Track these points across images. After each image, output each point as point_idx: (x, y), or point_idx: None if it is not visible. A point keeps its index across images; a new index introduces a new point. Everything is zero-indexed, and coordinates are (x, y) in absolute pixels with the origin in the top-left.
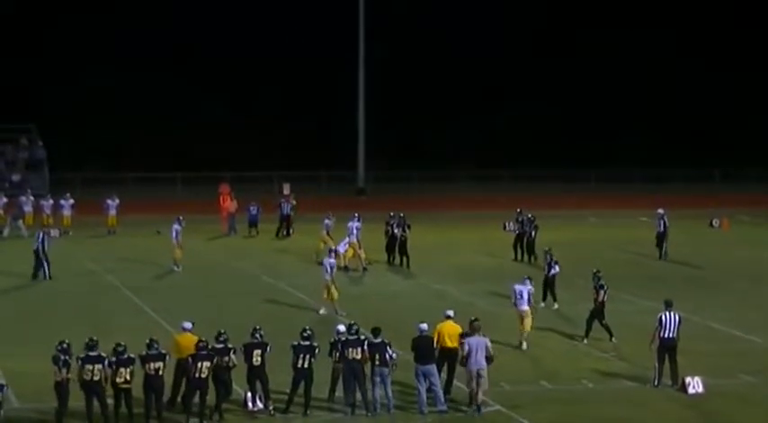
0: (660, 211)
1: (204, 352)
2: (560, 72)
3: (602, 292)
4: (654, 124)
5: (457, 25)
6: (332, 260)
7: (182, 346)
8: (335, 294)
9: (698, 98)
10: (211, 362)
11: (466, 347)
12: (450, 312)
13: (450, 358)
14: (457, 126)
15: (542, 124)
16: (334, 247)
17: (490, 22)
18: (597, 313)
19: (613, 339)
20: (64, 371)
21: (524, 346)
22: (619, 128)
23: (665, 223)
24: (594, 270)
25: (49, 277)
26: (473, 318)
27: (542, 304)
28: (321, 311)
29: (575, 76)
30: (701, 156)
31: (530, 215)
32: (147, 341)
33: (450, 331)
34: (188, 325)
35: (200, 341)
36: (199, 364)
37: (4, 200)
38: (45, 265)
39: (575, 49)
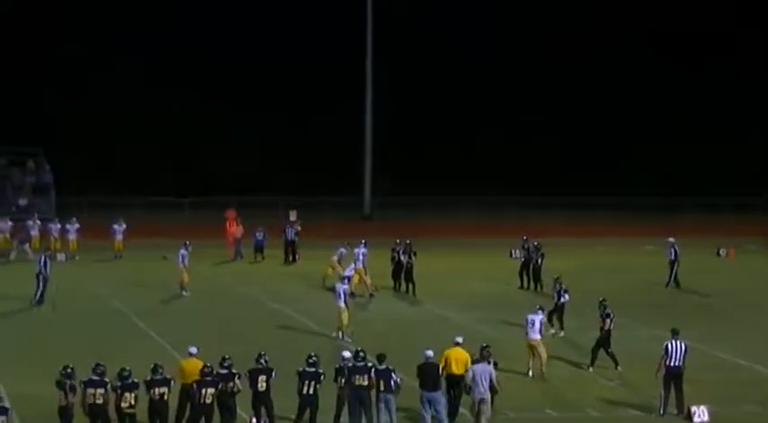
0: (671, 239)
1: (209, 378)
2: (566, 99)
3: (608, 320)
4: (662, 152)
5: (461, 42)
6: (345, 286)
7: (187, 372)
8: (345, 320)
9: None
10: (216, 388)
11: (470, 375)
12: (460, 339)
13: (457, 384)
14: (464, 153)
15: (548, 151)
16: (342, 274)
17: (496, 40)
18: (603, 342)
19: (619, 368)
20: (70, 396)
21: (545, 373)
22: (627, 155)
23: (675, 251)
24: (600, 299)
25: (43, 301)
26: (484, 344)
27: (552, 331)
28: (348, 338)
29: (581, 103)
30: (708, 185)
31: (536, 243)
32: (152, 366)
33: (457, 357)
34: (193, 350)
35: (204, 367)
36: (203, 391)
37: (11, 224)
38: (41, 287)
39: (583, 70)
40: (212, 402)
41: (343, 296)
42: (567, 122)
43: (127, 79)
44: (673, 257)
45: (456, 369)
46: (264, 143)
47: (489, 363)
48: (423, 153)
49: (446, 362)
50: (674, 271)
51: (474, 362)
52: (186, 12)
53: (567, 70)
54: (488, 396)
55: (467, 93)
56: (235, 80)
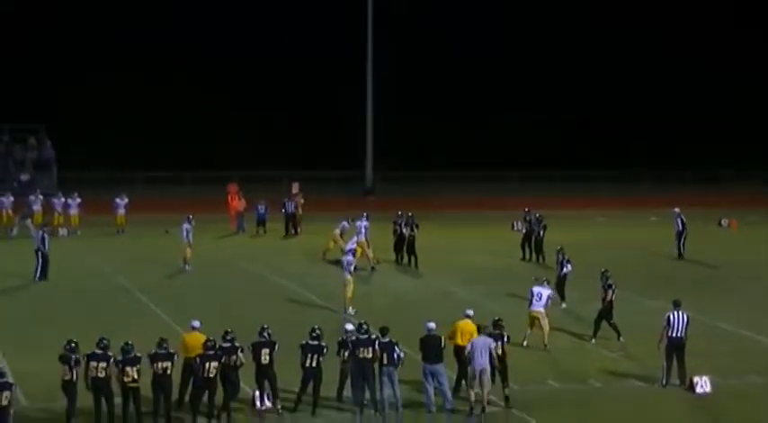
0: (676, 209)
1: (212, 352)
2: (570, 73)
3: (610, 291)
4: (662, 125)
5: (467, 25)
6: (350, 257)
7: (190, 346)
8: (349, 292)
9: (705, 98)
10: (219, 362)
11: (469, 347)
12: (470, 311)
13: (462, 356)
14: (465, 126)
15: (551, 125)
16: (345, 248)
17: (501, 21)
18: (605, 313)
19: (621, 339)
20: (75, 369)
21: (547, 345)
22: (626, 128)
23: (682, 221)
24: (603, 270)
25: (44, 278)
26: (497, 318)
27: (564, 305)
28: (350, 311)
29: (583, 77)
30: (708, 156)
31: (537, 214)
32: (158, 340)
33: (464, 329)
34: (196, 324)
35: (207, 341)
36: (207, 365)
37: (11, 199)
38: (41, 263)
39: (583, 48)
40: (216, 376)
41: (349, 268)
42: (569, 100)
43: (128, 55)
44: (680, 228)
45: (461, 341)
46: (266, 117)
47: (502, 336)
48: (424, 127)
49: (454, 334)
50: (681, 242)
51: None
52: None
53: (569, 69)
54: (488, 368)
55: (474, 92)
56: (238, 58)
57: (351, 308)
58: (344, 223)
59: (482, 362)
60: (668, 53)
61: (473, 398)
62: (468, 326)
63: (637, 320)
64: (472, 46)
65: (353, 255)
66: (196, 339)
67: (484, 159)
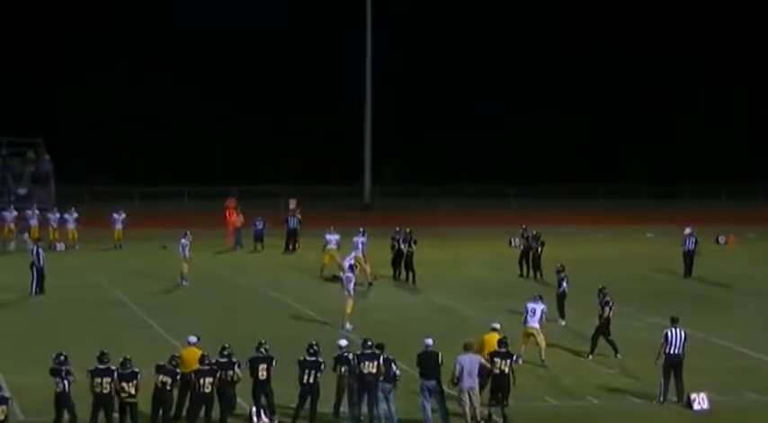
0: (688, 229)
1: (206, 367)
2: (568, 87)
3: (607, 308)
4: (661, 141)
5: (465, 40)
6: (350, 274)
7: (186, 361)
8: (348, 308)
9: (703, 114)
10: (214, 377)
11: (458, 367)
12: (497, 325)
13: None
14: (464, 141)
15: (549, 140)
16: (340, 262)
17: (499, 36)
18: (603, 329)
19: (618, 355)
20: (65, 382)
21: (544, 361)
22: (626, 144)
23: (696, 241)
24: (600, 286)
25: (41, 291)
26: (502, 336)
27: (563, 322)
28: (348, 326)
29: (582, 92)
30: (707, 172)
31: (535, 231)
32: (170, 356)
33: (491, 343)
34: (193, 339)
35: (202, 356)
36: (201, 380)
37: (14, 213)
38: (35, 278)
39: (581, 63)
40: (211, 391)
41: (349, 284)
42: (567, 114)
43: (128, 68)
44: (692, 247)
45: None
46: (264, 132)
47: (511, 354)
48: (423, 142)
49: (483, 347)
50: (691, 261)
51: (497, 354)
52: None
53: (568, 66)
54: (476, 386)
55: (473, 107)
56: (235, 72)
57: (348, 324)
58: (328, 236)
59: (470, 381)
60: (664, 66)
61: (469, 414)
62: (494, 338)
63: (635, 337)
64: (474, 59)
65: (353, 270)
66: (193, 354)
67: (482, 174)
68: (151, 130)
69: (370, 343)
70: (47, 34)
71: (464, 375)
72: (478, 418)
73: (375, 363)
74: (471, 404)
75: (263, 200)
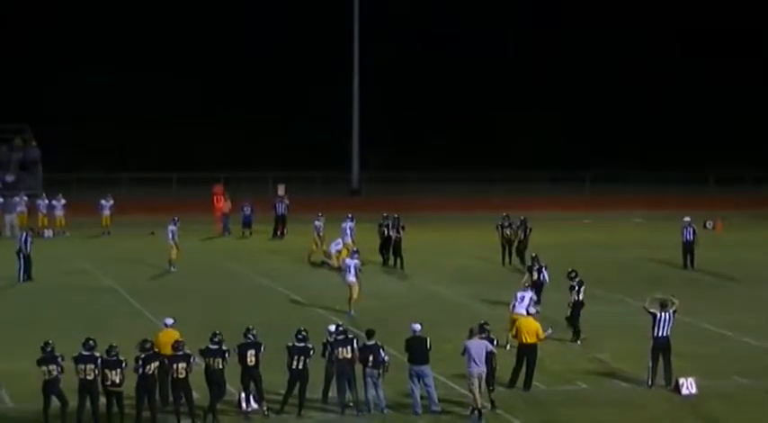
0: (687, 218)
1: (180, 353)
2: (556, 74)
3: (573, 292)
4: (649, 126)
5: (454, 25)
6: (356, 261)
7: (162, 343)
8: (355, 294)
9: (692, 101)
10: (188, 363)
11: (465, 351)
12: (532, 309)
13: (529, 353)
14: (451, 127)
15: (537, 126)
16: (328, 249)
17: (487, 22)
18: (576, 311)
19: (579, 341)
20: (53, 368)
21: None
22: (613, 130)
23: (694, 231)
24: (569, 270)
25: (29, 278)
26: (483, 321)
27: (538, 308)
28: (352, 313)
29: (570, 78)
30: (694, 158)
31: (522, 217)
32: (142, 340)
33: (527, 328)
34: (169, 321)
35: (176, 342)
36: (175, 366)
37: (0, 200)
38: (23, 265)
39: (569, 50)
40: (186, 377)
41: (353, 271)
42: (558, 100)
43: (115, 55)
44: (691, 238)
45: (528, 338)
46: (252, 118)
47: (491, 340)
48: (411, 127)
49: (517, 332)
50: (691, 252)
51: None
52: None
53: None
54: (485, 371)
55: (461, 93)
56: (223, 58)
57: (353, 310)
58: (316, 222)
59: (479, 366)
60: (658, 53)
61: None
62: (531, 324)
63: (622, 322)
64: (461, 46)
65: (358, 256)
66: (169, 336)
67: (471, 160)
68: (138, 117)
69: (341, 328)
70: (34, 22)
71: (472, 360)
72: (479, 405)
73: (348, 347)
74: (480, 388)
75: (251, 185)
